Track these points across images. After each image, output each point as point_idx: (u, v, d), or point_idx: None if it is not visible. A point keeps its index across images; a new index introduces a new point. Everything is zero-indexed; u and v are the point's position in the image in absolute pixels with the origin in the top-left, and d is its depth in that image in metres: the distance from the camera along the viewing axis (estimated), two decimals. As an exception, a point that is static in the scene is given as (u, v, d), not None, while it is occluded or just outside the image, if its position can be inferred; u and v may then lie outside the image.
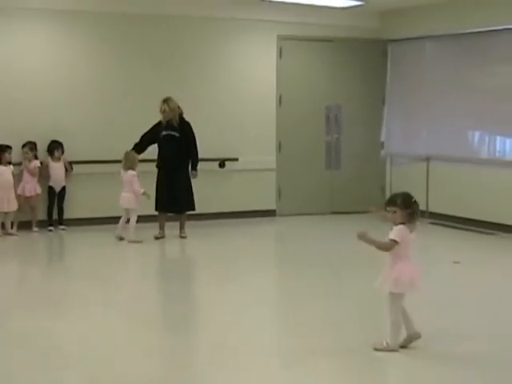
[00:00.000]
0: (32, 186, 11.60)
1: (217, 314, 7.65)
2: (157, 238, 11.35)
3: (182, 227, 11.54)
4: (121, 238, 11.09)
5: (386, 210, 6.48)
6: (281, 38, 13.47)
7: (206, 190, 12.68)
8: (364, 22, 13.94)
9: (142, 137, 11.42)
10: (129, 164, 11.05)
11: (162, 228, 11.46)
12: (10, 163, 11.42)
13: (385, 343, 6.12)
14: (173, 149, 11.31)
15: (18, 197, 11.54)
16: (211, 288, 8.78)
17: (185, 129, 11.36)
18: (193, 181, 11.49)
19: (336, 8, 12.96)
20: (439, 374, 5.88)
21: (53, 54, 12.04)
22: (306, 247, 11.25)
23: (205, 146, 12.21)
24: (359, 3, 12.55)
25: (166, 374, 5.95)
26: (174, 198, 11.35)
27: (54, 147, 11.79)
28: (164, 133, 11.30)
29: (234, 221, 12.96)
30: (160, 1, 12.36)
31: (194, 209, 11.54)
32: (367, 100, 14.28)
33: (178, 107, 11.29)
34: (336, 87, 14.04)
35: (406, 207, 6.40)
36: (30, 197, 11.63)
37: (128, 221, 11.10)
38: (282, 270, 10.24)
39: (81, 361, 6.09)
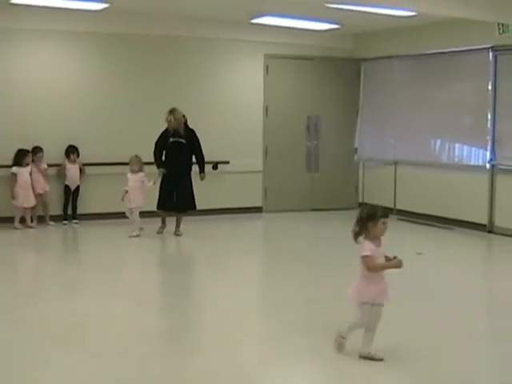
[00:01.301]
0: (42, 185, 11.76)
1: (208, 297, 7.76)
2: (159, 233, 11.41)
3: (178, 225, 11.42)
4: (141, 229, 11.07)
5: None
6: (267, 57, 13.58)
7: (200, 189, 12.78)
8: (340, 43, 14.04)
9: (156, 144, 11.29)
10: (139, 167, 11.02)
11: (163, 222, 11.50)
12: (27, 165, 11.56)
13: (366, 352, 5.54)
14: (180, 154, 11.24)
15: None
16: (204, 275, 8.91)
17: (190, 136, 11.29)
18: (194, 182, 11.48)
19: (316, 31, 13.08)
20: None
21: (71, 71, 12.21)
22: (289, 239, 11.42)
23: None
24: (336, 27, 12.63)
25: (163, 348, 6.05)
26: (178, 199, 11.29)
27: (71, 151, 11.97)
28: (171, 140, 11.18)
29: (225, 216, 13.04)
30: (163, 23, 12.40)
31: (195, 208, 11.49)
32: (343, 111, 14.39)
33: (183, 116, 11.22)
34: (316, 100, 14.15)
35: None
36: (41, 194, 11.79)
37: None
38: (268, 259, 10.37)
39: (95, 336, 6.21)
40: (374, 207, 5.87)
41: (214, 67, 13.19)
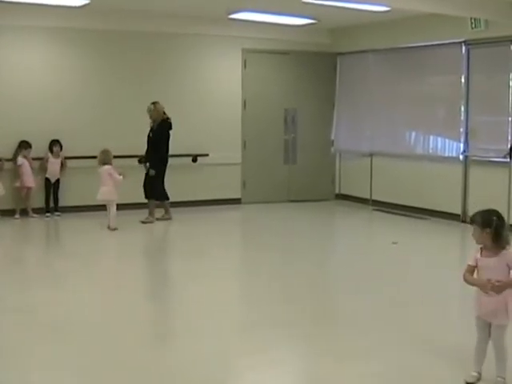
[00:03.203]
0: (32, 178, 11.83)
1: (189, 283, 7.81)
2: (144, 223, 11.58)
3: (150, 213, 11.72)
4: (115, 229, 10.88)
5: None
6: (245, 51, 13.62)
7: (180, 181, 12.94)
8: (316, 37, 14.08)
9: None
10: (106, 159, 10.93)
11: (151, 214, 11.76)
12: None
13: (499, 379, 4.83)
14: (148, 146, 11.69)
15: (18, 188, 11.80)
16: (185, 262, 8.91)
17: (159, 131, 11.60)
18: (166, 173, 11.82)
19: (293, 26, 13.11)
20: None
21: (53, 66, 12.20)
22: (267, 229, 11.55)
23: (180, 144, 12.52)
24: (312, 21, 12.70)
25: (146, 336, 6.13)
26: (145, 188, 11.70)
27: (54, 145, 11.99)
28: (149, 133, 11.72)
29: (204, 208, 13.11)
30: (142, 19, 12.35)
31: (159, 199, 11.82)
32: (319, 104, 14.47)
33: (164, 113, 11.61)
34: (293, 93, 14.21)
35: (485, 226, 4.85)
36: (30, 187, 11.83)
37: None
38: (246, 247, 10.50)
39: (79, 324, 6.28)
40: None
41: (193, 62, 13.21)
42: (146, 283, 8.02)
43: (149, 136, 11.71)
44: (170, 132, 11.70)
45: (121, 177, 10.94)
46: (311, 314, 6.72)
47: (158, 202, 11.83)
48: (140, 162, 11.97)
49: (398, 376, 5.14)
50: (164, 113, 11.63)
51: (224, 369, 5.31)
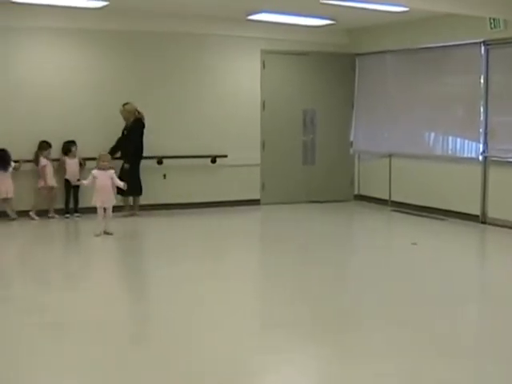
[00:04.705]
0: (52, 178, 11.90)
1: (206, 284, 7.77)
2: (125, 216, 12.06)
3: (133, 208, 12.32)
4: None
5: None
6: (264, 52, 13.60)
7: (199, 182, 12.97)
8: (335, 38, 14.06)
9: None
10: (110, 164, 10.72)
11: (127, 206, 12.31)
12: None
13: None
14: (122, 143, 12.17)
15: (41, 189, 11.85)
16: (203, 263, 8.89)
17: (132, 128, 12.09)
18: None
19: (311, 26, 13.09)
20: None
21: (70, 68, 12.19)
22: (286, 230, 11.46)
23: (199, 145, 12.59)
24: (330, 22, 12.66)
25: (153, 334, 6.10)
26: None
27: (69, 146, 11.99)
28: (123, 131, 12.25)
29: (223, 209, 13.09)
30: (162, 20, 12.40)
31: (137, 194, 12.25)
32: (338, 105, 14.42)
33: (137, 111, 12.12)
34: (311, 94, 14.18)
35: None
36: (52, 187, 11.88)
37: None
38: (265, 248, 10.44)
39: (92, 325, 6.26)
40: None
41: (212, 63, 13.19)
42: (161, 284, 7.93)
43: (123, 133, 12.20)
44: (144, 130, 12.19)
45: (122, 183, 10.73)
46: (328, 313, 6.68)
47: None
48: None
49: (412, 377, 5.09)
50: (138, 112, 12.14)
51: (239, 369, 5.28)
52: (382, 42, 13.58)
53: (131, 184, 11.61)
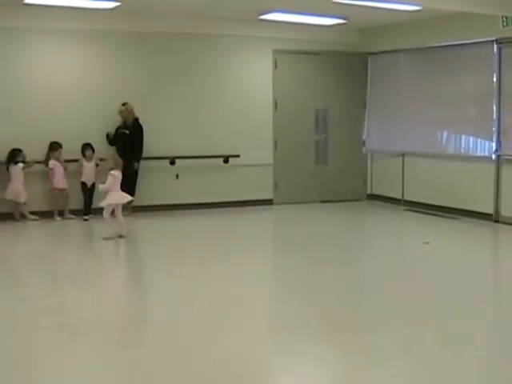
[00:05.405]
0: (63, 180, 11.91)
1: (219, 284, 7.77)
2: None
3: (127, 209, 11.94)
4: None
5: None
6: (276, 52, 13.58)
7: (212, 182, 13.00)
8: (347, 37, 14.03)
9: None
10: (118, 165, 10.53)
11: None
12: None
13: None
14: (123, 143, 12.06)
15: (51, 190, 11.88)
16: (216, 263, 8.92)
17: (135, 128, 12.12)
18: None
19: (323, 26, 13.08)
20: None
21: (83, 70, 12.19)
22: (299, 229, 11.44)
23: (211, 145, 12.62)
24: (342, 22, 12.66)
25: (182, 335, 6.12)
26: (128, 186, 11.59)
27: (86, 148, 11.99)
28: (120, 131, 12.21)
29: (236, 209, 13.10)
30: (174, 21, 12.41)
31: (133, 195, 11.71)
32: (350, 104, 14.40)
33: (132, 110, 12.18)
34: (324, 93, 14.15)
35: None
36: (63, 189, 11.90)
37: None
38: (277, 248, 10.44)
39: (109, 325, 6.29)
40: None
41: (225, 63, 13.21)
42: (175, 285, 7.94)
43: (124, 133, 12.12)
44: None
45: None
46: (341, 313, 6.66)
47: None
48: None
49: (428, 376, 5.08)
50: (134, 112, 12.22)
51: (252, 371, 5.28)
52: (394, 41, 13.53)
53: (129, 186, 11.62)
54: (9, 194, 11.51)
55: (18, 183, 11.52)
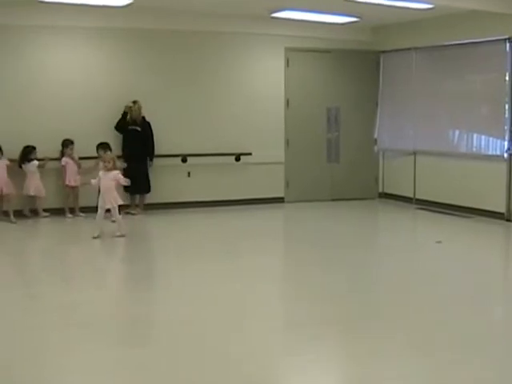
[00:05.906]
0: (76, 177, 11.92)
1: (230, 282, 7.77)
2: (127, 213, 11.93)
3: (139, 206, 12.31)
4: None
5: None
6: (288, 50, 13.57)
7: (223, 180, 13.00)
8: (359, 35, 13.99)
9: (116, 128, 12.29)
10: (114, 165, 10.38)
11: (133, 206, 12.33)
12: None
13: None
14: (135, 141, 12.15)
15: (63, 187, 11.92)
16: (227, 261, 8.90)
17: (145, 126, 12.19)
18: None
19: (335, 24, 13.07)
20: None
21: (96, 67, 12.24)
22: (310, 228, 11.42)
23: (223, 143, 12.61)
24: (354, 20, 12.64)
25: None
26: (139, 181, 11.94)
27: (101, 148, 11.82)
28: (130, 127, 12.16)
29: (247, 207, 13.12)
30: (186, 19, 12.38)
31: (149, 191, 12.36)
32: (362, 102, 14.36)
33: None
34: (336, 91, 14.13)
35: None
36: (75, 186, 11.92)
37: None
38: (289, 246, 10.39)
39: (121, 323, 6.37)
40: None
41: (237, 61, 13.24)
42: (185, 283, 7.93)
43: (137, 130, 12.13)
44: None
45: (126, 180, 10.51)
46: (353, 312, 6.63)
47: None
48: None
49: (440, 376, 5.06)
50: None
51: (264, 368, 5.28)
52: (406, 39, 13.51)
53: (145, 181, 12.18)
54: (31, 190, 11.58)
55: (36, 179, 11.58)
